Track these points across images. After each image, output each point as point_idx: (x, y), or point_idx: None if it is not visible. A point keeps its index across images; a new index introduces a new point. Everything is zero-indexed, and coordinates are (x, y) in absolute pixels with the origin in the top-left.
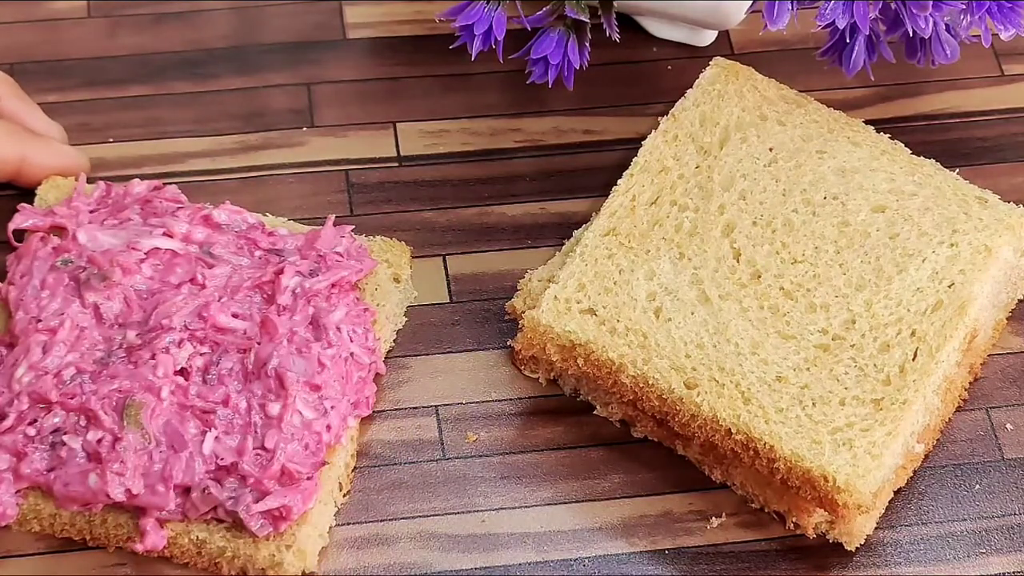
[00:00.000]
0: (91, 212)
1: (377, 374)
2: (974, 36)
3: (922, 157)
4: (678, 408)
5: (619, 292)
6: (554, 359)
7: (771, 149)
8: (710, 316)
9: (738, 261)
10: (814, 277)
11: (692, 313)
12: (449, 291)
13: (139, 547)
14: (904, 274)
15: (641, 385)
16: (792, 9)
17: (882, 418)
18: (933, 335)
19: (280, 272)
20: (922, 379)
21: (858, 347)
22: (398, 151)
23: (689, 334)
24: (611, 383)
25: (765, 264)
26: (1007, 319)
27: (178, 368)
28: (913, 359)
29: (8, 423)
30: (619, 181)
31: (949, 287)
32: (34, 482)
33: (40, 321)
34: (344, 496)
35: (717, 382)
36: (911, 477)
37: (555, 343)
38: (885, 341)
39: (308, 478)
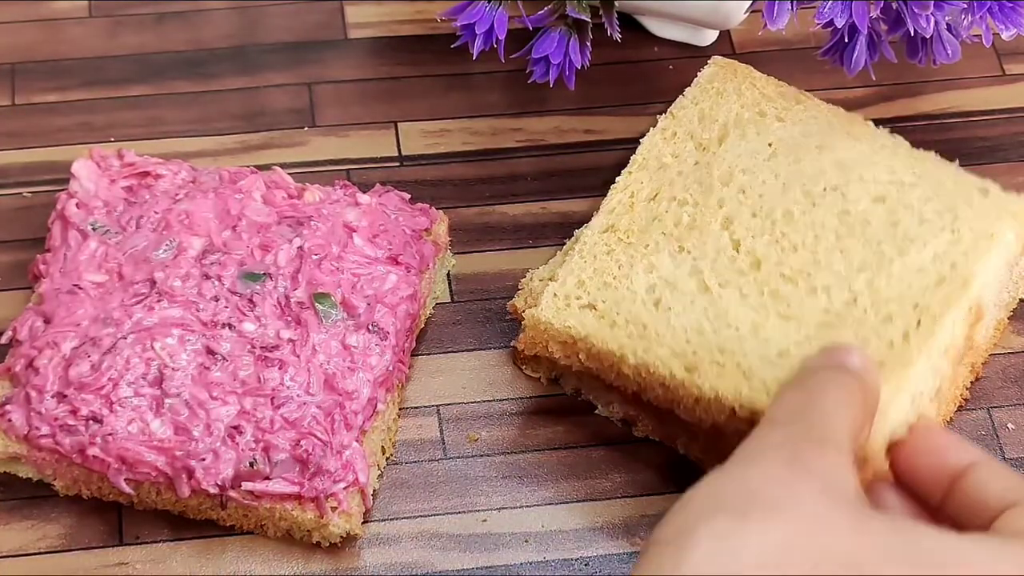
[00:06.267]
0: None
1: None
2: (975, 36)
3: (922, 150)
4: (681, 393)
5: (618, 286)
6: (557, 355)
7: (770, 145)
8: (710, 304)
9: (737, 251)
10: (815, 263)
11: (692, 302)
12: (450, 291)
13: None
14: (905, 257)
15: (643, 374)
16: (791, 9)
17: (886, 377)
18: (936, 305)
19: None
20: (926, 341)
21: (860, 321)
22: (399, 151)
23: (689, 321)
24: (613, 376)
25: (765, 253)
26: (1008, 319)
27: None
28: (917, 327)
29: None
30: (617, 179)
31: (951, 267)
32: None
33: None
34: (387, 459)
35: (718, 363)
36: None
37: (556, 339)
38: (887, 313)
39: (358, 441)
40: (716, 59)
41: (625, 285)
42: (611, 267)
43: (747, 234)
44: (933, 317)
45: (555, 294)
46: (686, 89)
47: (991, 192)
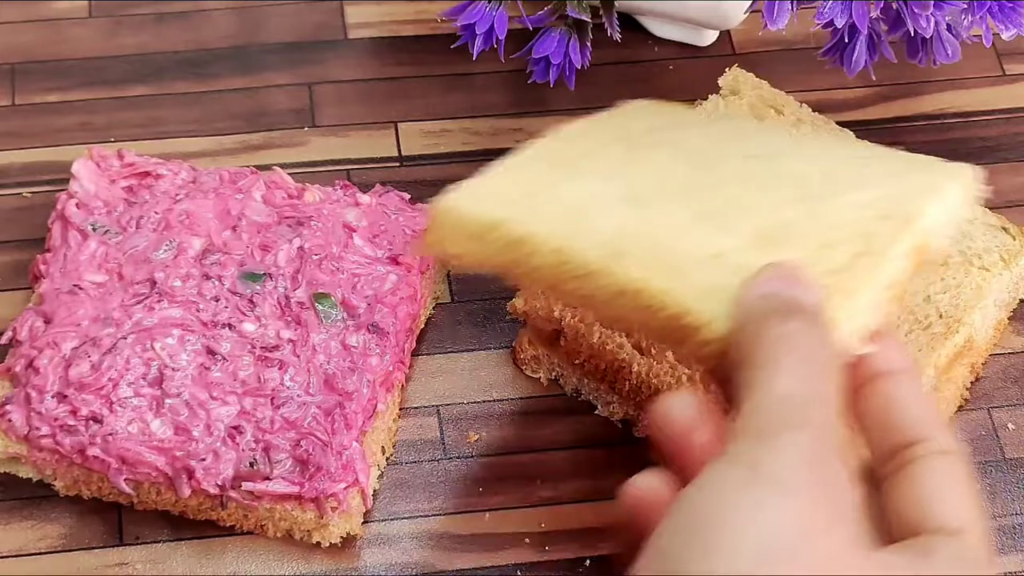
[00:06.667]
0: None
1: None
2: (975, 36)
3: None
4: (601, 283)
5: (542, 190)
6: (464, 252)
7: (698, 131)
8: (640, 210)
9: (669, 178)
10: (751, 192)
11: (620, 208)
12: (451, 291)
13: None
14: (848, 196)
15: (562, 262)
16: (792, 9)
17: (830, 306)
18: (881, 235)
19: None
20: (871, 270)
21: (800, 243)
22: (399, 151)
23: (615, 221)
24: (528, 269)
25: (698, 183)
26: (1008, 319)
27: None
28: (861, 255)
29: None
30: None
31: (897, 205)
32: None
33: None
34: (387, 459)
35: (645, 255)
36: None
37: (468, 229)
38: (829, 239)
39: (357, 441)
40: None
41: (549, 190)
42: (536, 178)
43: (675, 173)
44: (879, 248)
45: (472, 189)
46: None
47: (933, 160)
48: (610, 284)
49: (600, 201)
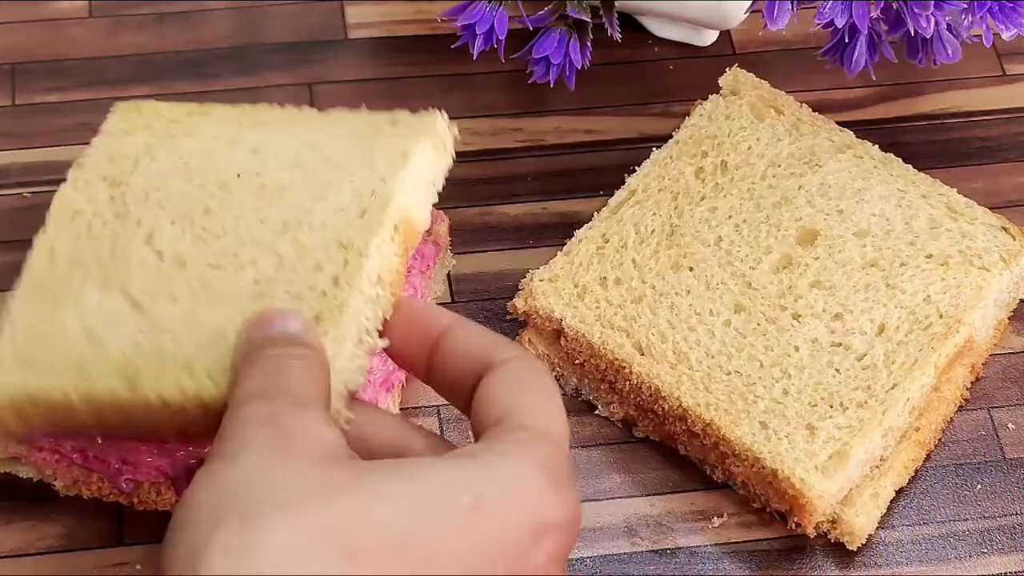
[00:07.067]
0: None
1: None
2: (975, 36)
3: (333, 110)
4: (132, 411)
5: (49, 334)
6: (11, 427)
7: (182, 158)
8: (144, 318)
9: (163, 260)
10: (239, 243)
11: (125, 322)
12: (451, 291)
13: None
14: (324, 202)
15: (91, 405)
16: (792, 9)
17: (325, 328)
18: (359, 237)
19: None
20: (355, 278)
21: (290, 280)
22: None
23: (124, 340)
24: (77, 425)
25: (189, 252)
26: (1008, 319)
27: None
28: (345, 266)
29: None
30: (35, 241)
31: (371, 195)
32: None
33: None
34: None
35: (157, 368)
36: (912, 477)
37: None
38: (315, 263)
39: None
40: (119, 104)
41: (56, 331)
42: (38, 324)
43: (169, 242)
44: (358, 251)
45: None
46: (93, 139)
47: (401, 119)
48: (138, 408)
49: (103, 320)
